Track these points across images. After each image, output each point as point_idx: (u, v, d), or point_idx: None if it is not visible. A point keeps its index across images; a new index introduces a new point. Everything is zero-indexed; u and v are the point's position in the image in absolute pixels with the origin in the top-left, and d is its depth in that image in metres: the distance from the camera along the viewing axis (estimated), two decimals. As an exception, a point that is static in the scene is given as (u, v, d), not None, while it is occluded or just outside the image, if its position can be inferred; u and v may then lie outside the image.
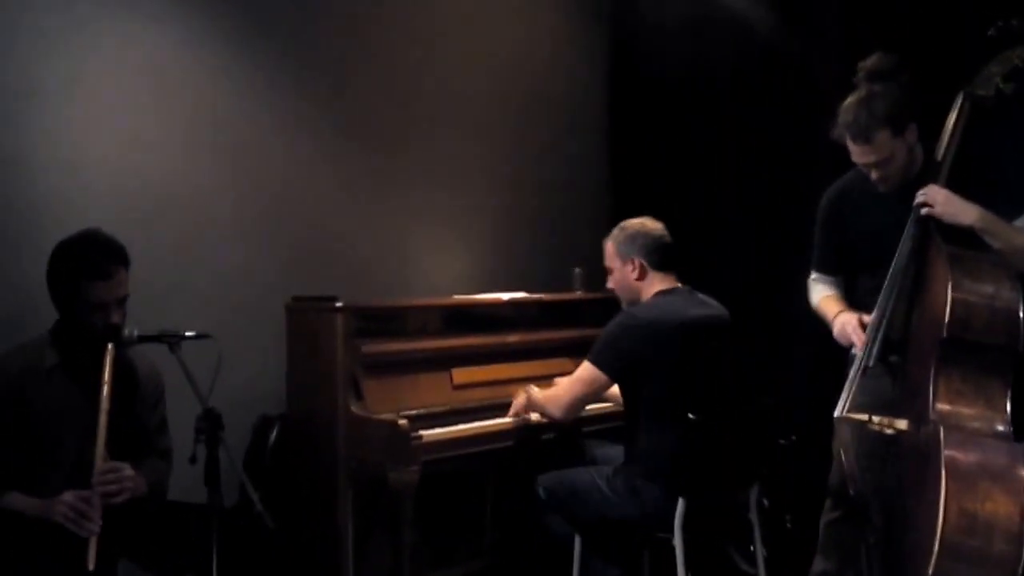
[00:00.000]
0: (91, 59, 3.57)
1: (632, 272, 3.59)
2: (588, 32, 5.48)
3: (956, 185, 2.97)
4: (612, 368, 3.46)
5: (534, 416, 3.82)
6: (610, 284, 3.71)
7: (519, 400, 3.84)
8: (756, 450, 3.59)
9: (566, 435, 3.95)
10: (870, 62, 3.09)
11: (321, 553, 3.71)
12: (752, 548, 3.73)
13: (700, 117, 5.03)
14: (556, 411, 3.60)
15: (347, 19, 4.35)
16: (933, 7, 4.09)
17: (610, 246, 3.66)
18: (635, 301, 3.61)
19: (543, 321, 4.51)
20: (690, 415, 3.27)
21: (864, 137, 3.00)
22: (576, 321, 4.60)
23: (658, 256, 3.58)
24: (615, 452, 3.73)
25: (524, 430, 3.84)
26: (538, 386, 4.02)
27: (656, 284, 3.58)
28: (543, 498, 3.62)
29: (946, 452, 2.54)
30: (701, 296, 3.63)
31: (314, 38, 4.23)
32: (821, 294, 3.40)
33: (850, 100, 3.05)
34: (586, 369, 3.50)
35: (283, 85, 4.13)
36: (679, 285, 3.62)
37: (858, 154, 3.06)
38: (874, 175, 3.09)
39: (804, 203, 3.60)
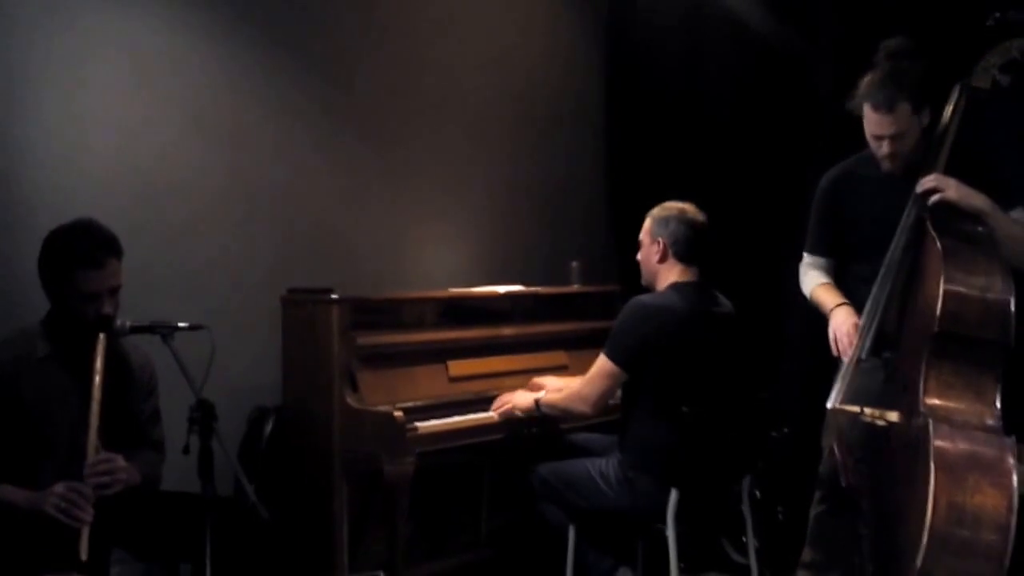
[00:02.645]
0: (85, 49, 3.57)
1: (656, 253, 3.57)
2: (585, 27, 5.48)
3: (952, 176, 2.97)
4: (624, 358, 3.46)
5: (519, 413, 3.82)
6: (638, 256, 3.68)
7: (516, 402, 3.82)
8: (749, 442, 3.60)
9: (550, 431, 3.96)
10: (894, 43, 3.09)
11: (316, 544, 3.72)
12: (744, 539, 3.75)
13: (696, 111, 5.04)
14: (585, 407, 3.56)
15: (345, 11, 4.35)
16: (929, 3, 4.08)
17: (647, 221, 3.63)
18: (651, 282, 3.61)
19: (539, 314, 4.52)
20: (683, 408, 3.29)
21: (887, 107, 3.00)
22: (573, 314, 4.61)
23: (683, 246, 3.54)
24: (596, 437, 3.77)
25: (518, 423, 3.85)
26: (538, 379, 4.04)
27: (673, 274, 3.55)
28: (538, 489, 3.64)
29: (935, 444, 2.54)
30: (714, 292, 3.62)
31: (311, 29, 4.23)
32: (816, 281, 3.39)
33: (874, 74, 3.04)
34: (603, 362, 3.50)
35: (279, 76, 4.13)
36: (695, 279, 3.57)
37: (876, 124, 3.05)
38: (885, 149, 3.08)
39: (798, 197, 3.61)
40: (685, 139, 5.05)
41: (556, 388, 3.85)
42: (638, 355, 3.44)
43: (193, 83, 3.87)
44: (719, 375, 3.54)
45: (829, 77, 4.39)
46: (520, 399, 3.82)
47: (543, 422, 3.82)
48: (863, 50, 3.17)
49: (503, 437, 3.86)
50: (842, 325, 3.14)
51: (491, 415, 3.85)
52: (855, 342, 3.04)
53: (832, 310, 3.22)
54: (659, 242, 3.56)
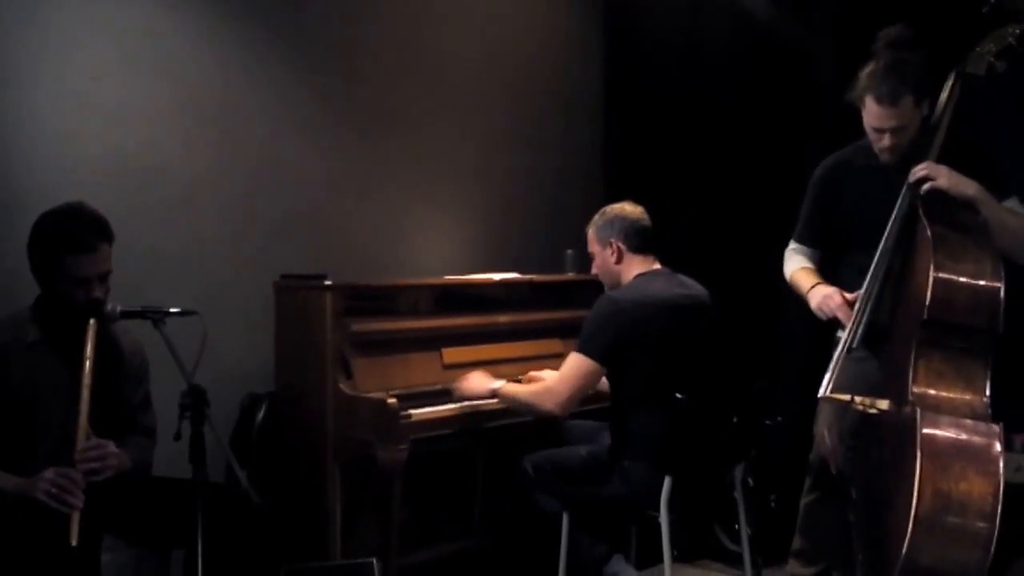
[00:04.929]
0: (76, 32, 3.56)
1: (611, 256, 3.61)
2: (583, 16, 5.45)
3: (946, 164, 2.96)
4: (601, 354, 3.45)
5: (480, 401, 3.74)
6: (593, 270, 3.73)
7: (469, 388, 3.73)
8: (742, 430, 3.60)
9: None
10: (895, 31, 3.06)
11: (309, 530, 3.73)
12: (737, 526, 3.75)
13: (693, 102, 5.01)
14: (554, 407, 3.48)
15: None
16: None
17: (591, 232, 3.69)
18: (616, 285, 3.63)
19: (534, 302, 4.50)
20: (677, 395, 3.29)
21: (890, 100, 2.98)
22: (567, 302, 4.59)
23: (636, 239, 3.60)
24: (587, 425, 3.79)
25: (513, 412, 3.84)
26: (534, 372, 4.01)
27: (635, 267, 3.60)
28: (532, 476, 3.63)
29: (922, 432, 2.54)
30: (681, 277, 3.64)
31: (305, 13, 4.21)
32: (797, 265, 3.39)
33: (876, 65, 3.02)
34: (578, 360, 3.46)
35: (274, 61, 4.11)
36: (659, 267, 3.63)
37: (878, 117, 3.03)
38: (885, 141, 3.06)
39: (794, 188, 3.60)
40: (683, 128, 5.03)
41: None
42: (615, 348, 3.43)
43: (184, 67, 3.85)
44: (702, 357, 3.54)
45: (830, 68, 4.36)
46: (475, 385, 3.72)
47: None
48: (863, 40, 3.14)
49: (498, 424, 3.85)
50: (828, 299, 3.12)
51: (487, 402, 3.82)
52: (847, 329, 3.03)
53: (809, 290, 3.22)
54: (611, 244, 3.61)
